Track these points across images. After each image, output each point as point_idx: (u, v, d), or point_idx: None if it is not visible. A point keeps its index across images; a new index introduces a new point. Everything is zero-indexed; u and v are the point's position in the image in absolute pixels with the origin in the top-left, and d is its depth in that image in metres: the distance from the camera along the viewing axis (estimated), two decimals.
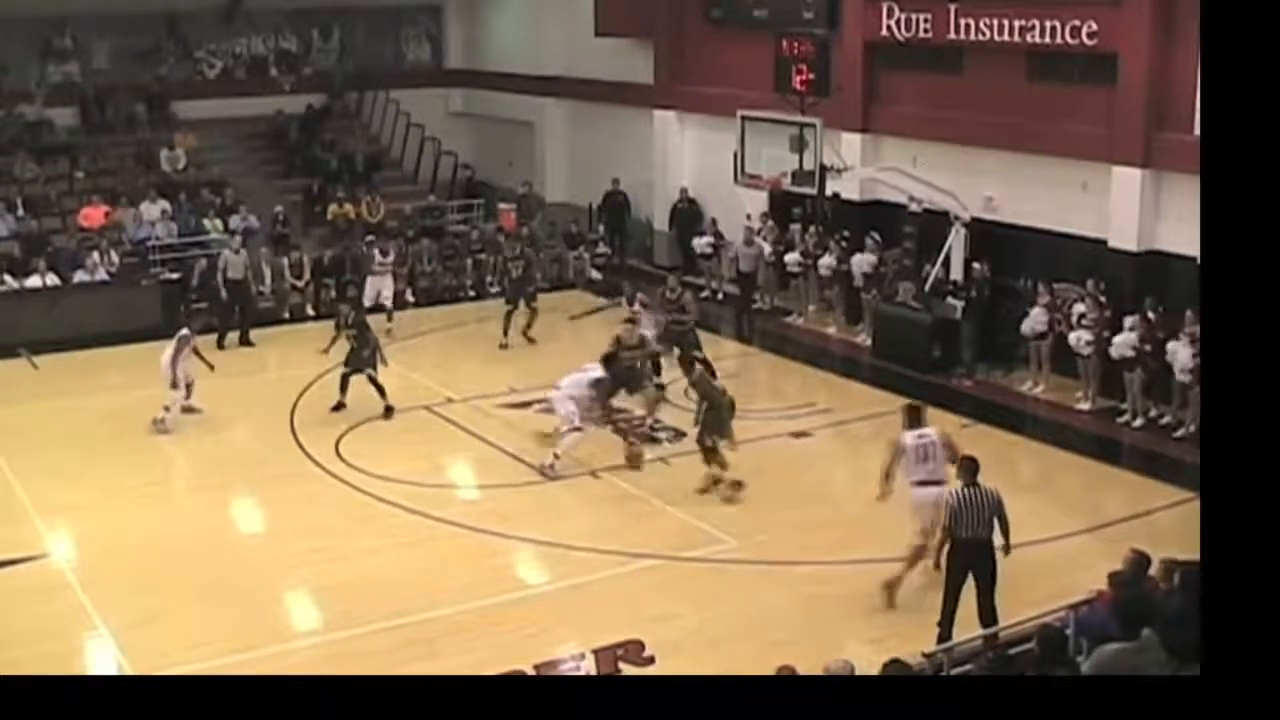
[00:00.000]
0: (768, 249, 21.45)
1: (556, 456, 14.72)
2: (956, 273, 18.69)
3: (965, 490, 10.63)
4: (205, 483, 14.59)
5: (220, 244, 22.43)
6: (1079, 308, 16.75)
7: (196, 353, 16.53)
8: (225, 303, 20.44)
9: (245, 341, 20.08)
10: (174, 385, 16.09)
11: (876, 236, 19.88)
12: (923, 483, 11.47)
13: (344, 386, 16.75)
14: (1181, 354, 15.08)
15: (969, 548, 10.59)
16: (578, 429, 14.81)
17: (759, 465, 15.07)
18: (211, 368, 16.61)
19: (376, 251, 21.13)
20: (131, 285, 21.32)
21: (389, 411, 16.65)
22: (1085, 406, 16.53)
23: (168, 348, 16.33)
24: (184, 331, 16.48)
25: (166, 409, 16.10)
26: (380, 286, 20.78)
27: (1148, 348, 15.67)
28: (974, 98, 19.30)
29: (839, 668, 7.95)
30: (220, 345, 19.68)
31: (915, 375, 17.94)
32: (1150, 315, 15.84)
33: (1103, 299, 16.53)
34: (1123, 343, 15.87)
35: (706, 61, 24.18)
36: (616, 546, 12.84)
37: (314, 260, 22.20)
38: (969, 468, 10.77)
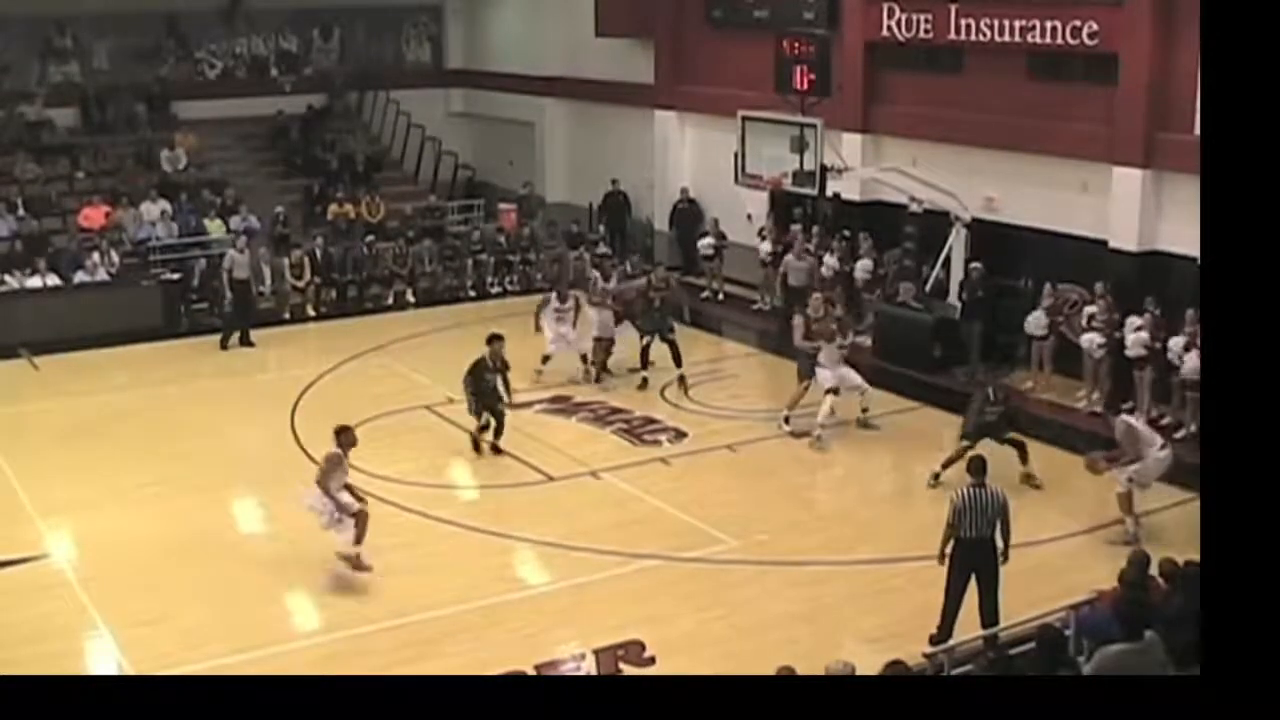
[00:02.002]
0: (766, 248, 21.48)
1: (823, 428, 15.41)
2: (957, 273, 18.69)
3: (971, 490, 10.62)
4: (205, 483, 14.56)
5: (220, 244, 22.51)
6: (1090, 309, 16.74)
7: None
8: (231, 302, 20.43)
9: (246, 341, 20.07)
10: (346, 513, 12.00)
11: (871, 239, 19.89)
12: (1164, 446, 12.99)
13: (497, 423, 15.37)
14: (1186, 356, 15.10)
15: (972, 547, 10.57)
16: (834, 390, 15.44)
17: (759, 465, 15.10)
18: (363, 504, 12.21)
19: (555, 297, 18.17)
20: (132, 285, 21.33)
21: (497, 450, 15.24)
22: (1099, 409, 16.42)
23: (318, 482, 11.98)
24: (335, 450, 12.14)
25: (357, 559, 12.06)
26: (561, 330, 17.95)
27: (1157, 345, 15.68)
28: (974, 98, 19.30)
29: (839, 668, 7.96)
30: (224, 346, 19.74)
31: (916, 375, 17.95)
32: (1156, 313, 15.83)
33: (1112, 300, 16.51)
34: (1135, 341, 15.87)
35: (706, 61, 24.18)
36: (616, 546, 12.83)
37: (308, 253, 22.12)
38: (977, 467, 10.78)
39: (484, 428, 15.42)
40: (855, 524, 13.66)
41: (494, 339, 15.56)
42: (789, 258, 20.54)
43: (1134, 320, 16.02)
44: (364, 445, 15.48)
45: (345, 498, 12.05)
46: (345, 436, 12.28)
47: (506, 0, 29.45)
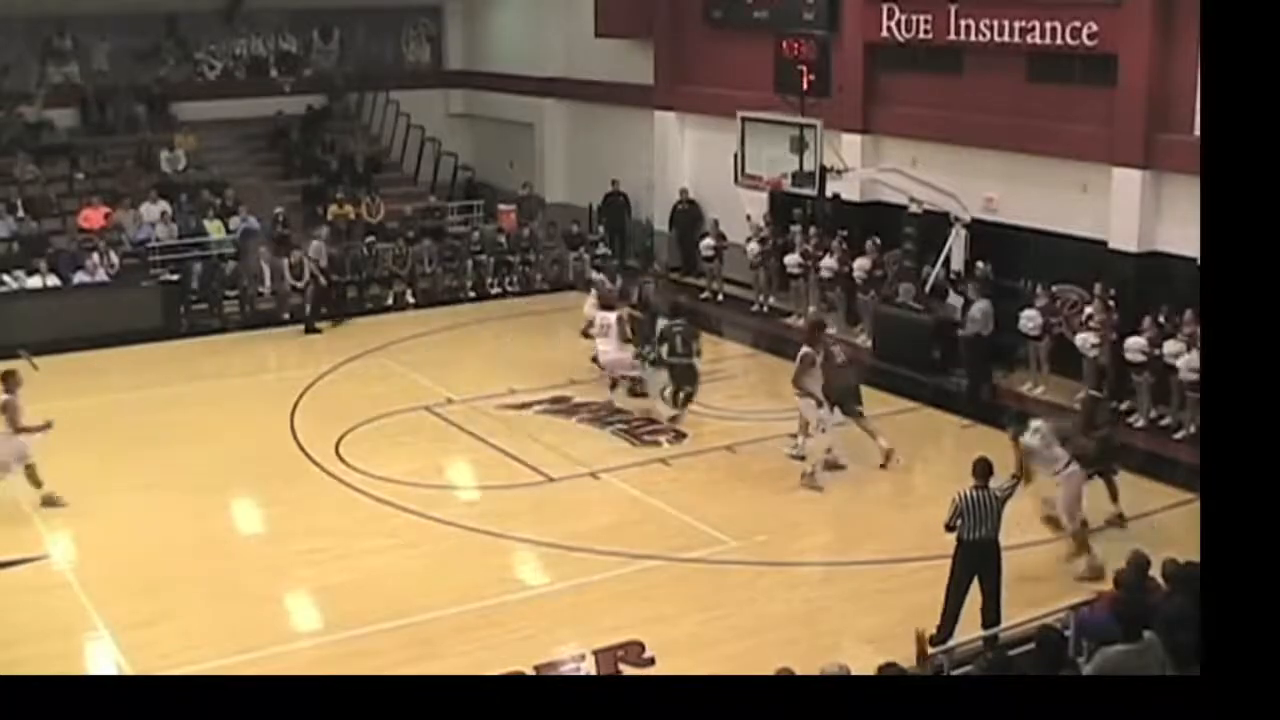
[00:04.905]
0: (754, 248, 21.48)
1: (812, 470, 14.36)
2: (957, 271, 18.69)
3: (975, 492, 10.60)
4: (205, 483, 14.55)
5: (220, 244, 22.79)
6: (1087, 310, 16.73)
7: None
8: (311, 291, 21.12)
9: (311, 330, 20.89)
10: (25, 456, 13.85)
11: (876, 240, 19.87)
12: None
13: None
14: (1185, 356, 15.11)
15: (976, 549, 10.57)
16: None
17: (759, 466, 15.09)
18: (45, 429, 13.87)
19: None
20: (131, 286, 21.35)
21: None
22: None
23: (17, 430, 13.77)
24: (7, 396, 13.75)
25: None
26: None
27: (1157, 351, 15.66)
28: (974, 98, 19.29)
29: (834, 671, 7.93)
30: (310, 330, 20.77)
31: (916, 376, 17.95)
32: (1161, 320, 15.81)
33: (1111, 302, 16.51)
34: (1134, 346, 15.86)
35: (706, 62, 24.19)
36: (616, 546, 12.84)
37: (307, 254, 22.12)
38: (981, 470, 10.74)
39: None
40: (854, 525, 13.66)
41: None
42: (974, 310, 17.36)
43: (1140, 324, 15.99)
44: (364, 446, 15.64)
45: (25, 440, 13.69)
46: (13, 379, 13.81)
47: (506, 1, 29.46)
